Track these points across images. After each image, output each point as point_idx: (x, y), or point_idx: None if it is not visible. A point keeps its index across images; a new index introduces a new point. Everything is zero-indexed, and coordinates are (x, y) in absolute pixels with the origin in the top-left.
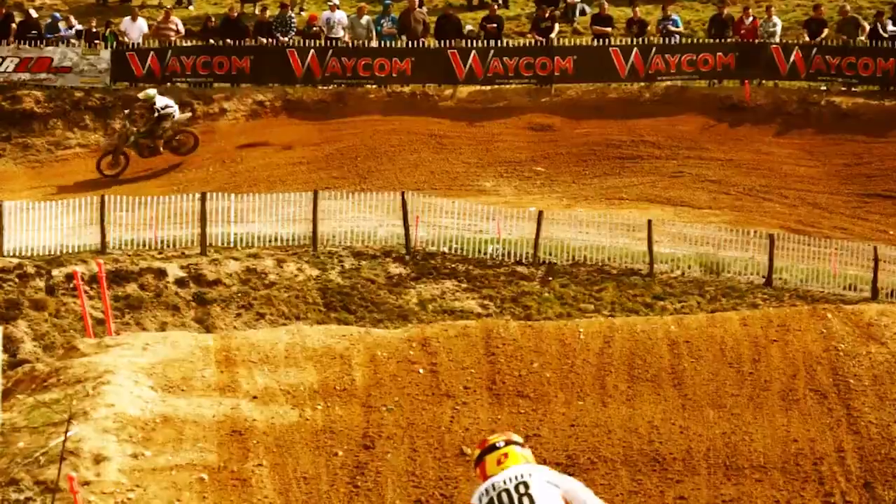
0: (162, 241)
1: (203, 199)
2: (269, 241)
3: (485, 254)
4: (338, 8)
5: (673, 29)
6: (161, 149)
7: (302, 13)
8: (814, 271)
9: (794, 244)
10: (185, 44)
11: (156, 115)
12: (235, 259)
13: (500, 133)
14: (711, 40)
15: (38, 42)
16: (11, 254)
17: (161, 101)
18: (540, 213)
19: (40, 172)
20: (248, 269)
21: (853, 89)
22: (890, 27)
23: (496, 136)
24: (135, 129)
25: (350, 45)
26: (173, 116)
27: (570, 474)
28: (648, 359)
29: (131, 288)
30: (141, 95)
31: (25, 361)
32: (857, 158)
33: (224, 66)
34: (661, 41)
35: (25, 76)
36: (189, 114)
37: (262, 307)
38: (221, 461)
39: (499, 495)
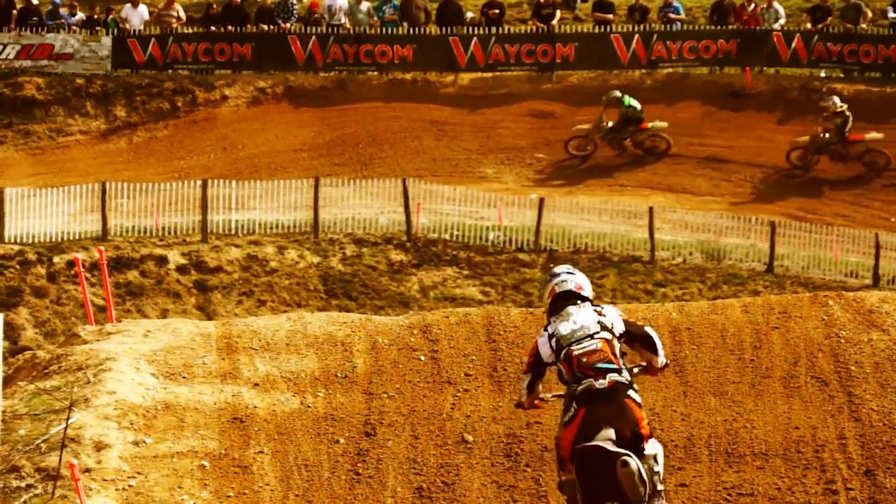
0: (163, 228)
1: (204, 186)
2: (271, 228)
3: (486, 241)
4: None
5: (674, 16)
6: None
7: (303, 0)
8: (815, 258)
9: (796, 231)
10: (186, 30)
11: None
12: (237, 246)
13: (502, 120)
14: (713, 27)
15: (40, 29)
16: (13, 241)
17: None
18: (541, 201)
19: (41, 159)
20: (250, 257)
21: (854, 76)
22: (891, 14)
23: (497, 123)
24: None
25: (351, 31)
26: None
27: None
28: None
29: (132, 275)
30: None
31: (27, 348)
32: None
33: (225, 52)
34: (662, 28)
35: (27, 63)
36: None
37: (264, 294)
38: (223, 448)
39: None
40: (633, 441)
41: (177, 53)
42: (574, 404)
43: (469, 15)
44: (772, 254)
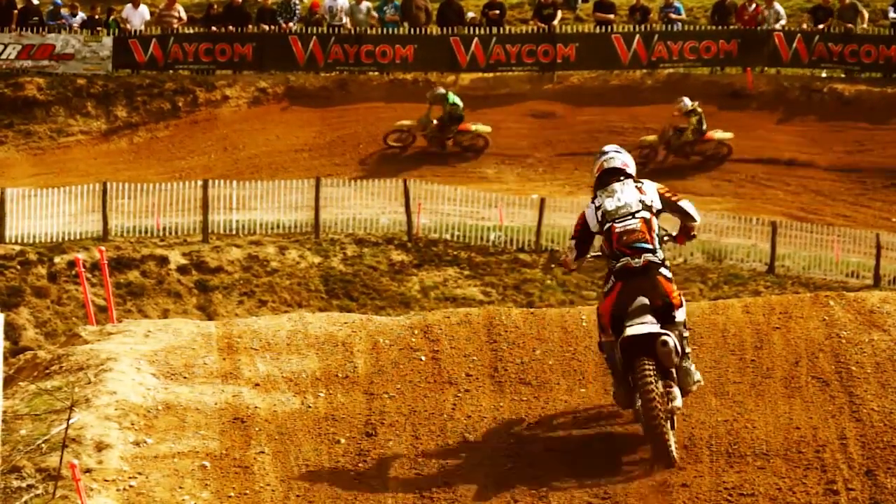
0: (164, 229)
1: (205, 187)
2: (271, 229)
3: (487, 241)
4: None
5: (675, 16)
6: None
7: (304, 0)
8: (816, 258)
9: (797, 231)
10: (187, 30)
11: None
12: (237, 246)
13: (503, 120)
14: (714, 27)
15: (41, 29)
16: (13, 241)
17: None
18: (542, 201)
19: (42, 159)
20: (250, 257)
21: (855, 76)
22: (892, 14)
23: (498, 123)
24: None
25: (352, 31)
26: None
27: (573, 462)
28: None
29: (133, 275)
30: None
31: (28, 349)
32: (859, 146)
33: (226, 52)
34: (663, 28)
35: (28, 63)
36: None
37: (265, 294)
38: (223, 448)
39: None
40: (665, 309)
41: (178, 54)
42: (613, 278)
43: (470, 15)
44: (773, 254)
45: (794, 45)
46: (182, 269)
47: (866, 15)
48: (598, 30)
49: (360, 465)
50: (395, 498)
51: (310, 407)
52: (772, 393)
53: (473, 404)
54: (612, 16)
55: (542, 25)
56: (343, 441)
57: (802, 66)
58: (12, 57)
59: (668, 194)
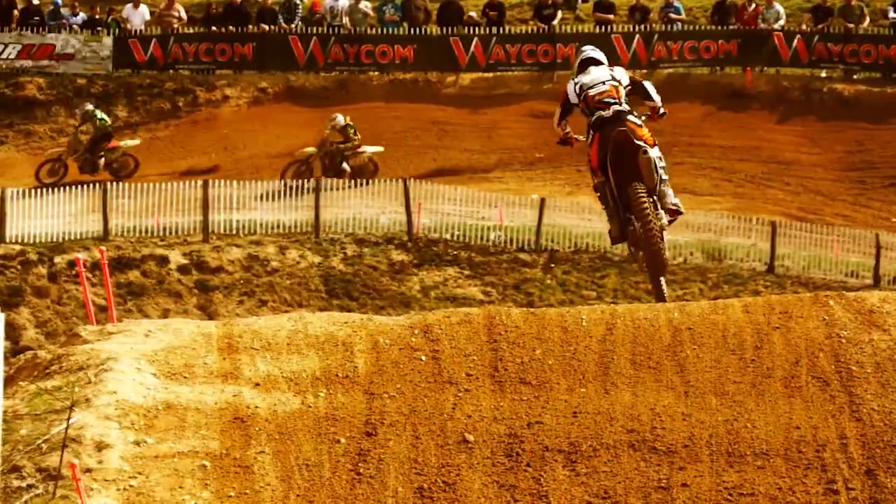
0: (164, 228)
1: (205, 186)
2: (272, 229)
3: (487, 241)
4: None
5: (675, 16)
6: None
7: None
8: (816, 258)
9: (797, 231)
10: (187, 30)
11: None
12: (238, 246)
13: (503, 120)
14: (714, 27)
15: (41, 29)
16: (14, 241)
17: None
18: (542, 201)
19: (42, 159)
20: (251, 257)
21: (855, 76)
22: (891, 14)
23: (498, 123)
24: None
25: (352, 31)
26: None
27: (572, 461)
28: (651, 346)
29: (133, 275)
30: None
31: (28, 348)
32: (858, 145)
33: (226, 52)
34: (663, 28)
35: (28, 63)
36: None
37: (265, 294)
38: (224, 448)
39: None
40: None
41: (178, 53)
42: (590, 131)
43: (470, 15)
44: (772, 254)
45: (794, 45)
46: (182, 269)
47: (867, 19)
48: (597, 30)
49: (360, 464)
50: (395, 497)
51: (310, 407)
52: (772, 392)
53: (474, 404)
54: (611, 16)
55: (542, 25)
56: (343, 441)
57: (802, 66)
58: (12, 56)
59: (636, 76)
